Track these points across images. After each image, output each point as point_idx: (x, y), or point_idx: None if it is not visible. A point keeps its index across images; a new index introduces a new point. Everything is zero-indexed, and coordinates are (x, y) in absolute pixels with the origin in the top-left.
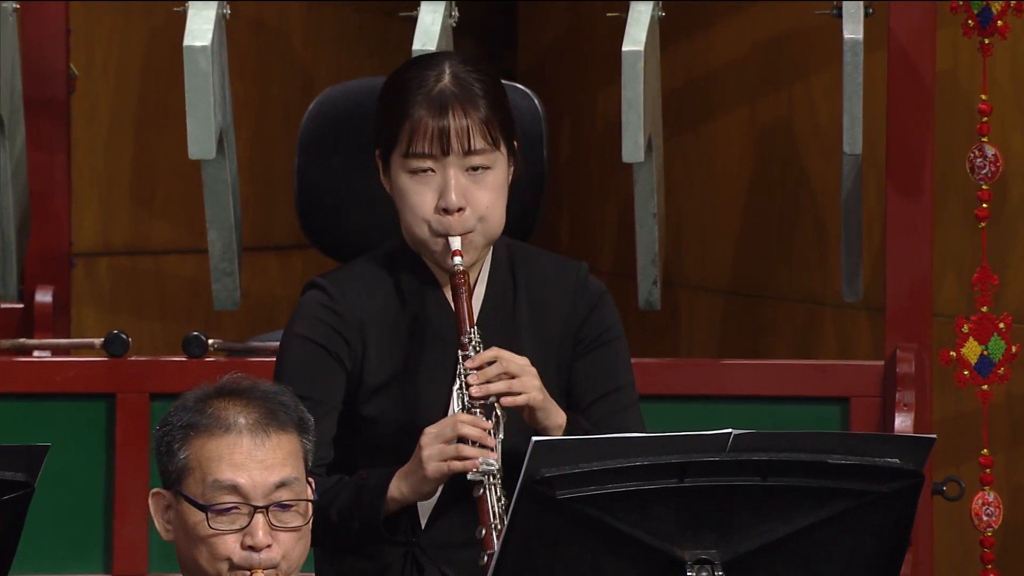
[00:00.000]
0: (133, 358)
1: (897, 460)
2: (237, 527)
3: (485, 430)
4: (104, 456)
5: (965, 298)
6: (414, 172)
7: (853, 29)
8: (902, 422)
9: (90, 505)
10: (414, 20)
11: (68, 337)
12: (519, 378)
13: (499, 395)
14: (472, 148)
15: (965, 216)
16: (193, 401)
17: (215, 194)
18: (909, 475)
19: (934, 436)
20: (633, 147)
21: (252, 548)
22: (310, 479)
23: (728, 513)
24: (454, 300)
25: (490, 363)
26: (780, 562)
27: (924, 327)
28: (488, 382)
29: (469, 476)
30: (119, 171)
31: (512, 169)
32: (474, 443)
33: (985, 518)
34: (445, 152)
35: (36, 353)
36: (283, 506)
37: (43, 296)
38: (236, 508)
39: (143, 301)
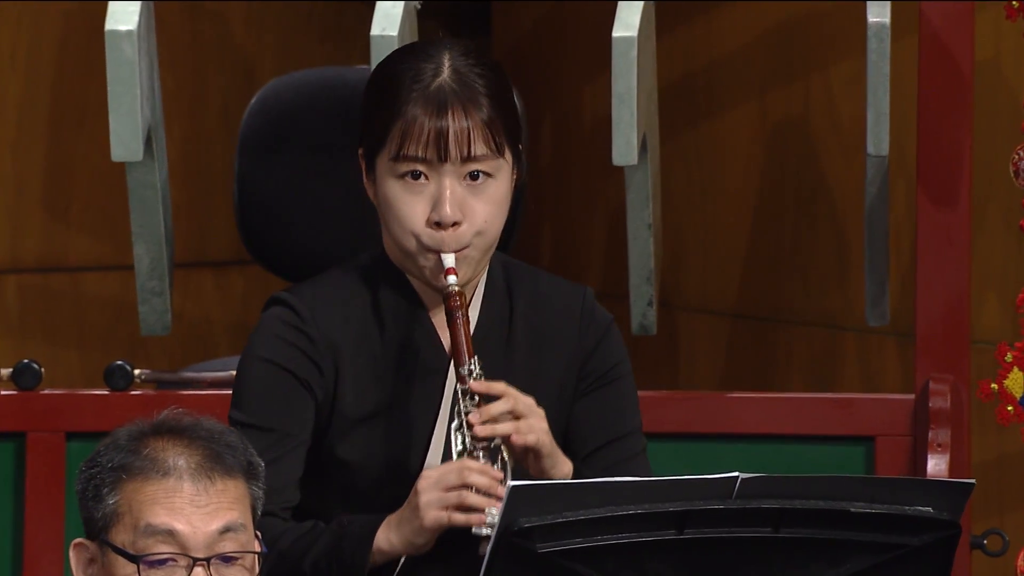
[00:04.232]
0: (46, 391)
1: (930, 509)
2: None
3: (495, 479)
4: (12, 503)
5: (1009, 322)
6: (403, 177)
7: (879, 12)
8: (936, 465)
9: None
10: (372, 2)
11: None
12: (526, 419)
13: (505, 436)
14: (472, 154)
15: (1008, 227)
16: (126, 439)
17: (142, 202)
18: (944, 526)
19: (973, 481)
20: (625, 148)
21: None
22: (257, 532)
23: (735, 569)
24: (449, 325)
25: (494, 399)
26: None
27: (961, 355)
28: (493, 420)
29: (474, 530)
30: (29, 175)
31: (516, 176)
32: (478, 491)
33: None
34: (441, 158)
35: None
36: (227, 559)
37: None
38: (173, 560)
39: (58, 325)
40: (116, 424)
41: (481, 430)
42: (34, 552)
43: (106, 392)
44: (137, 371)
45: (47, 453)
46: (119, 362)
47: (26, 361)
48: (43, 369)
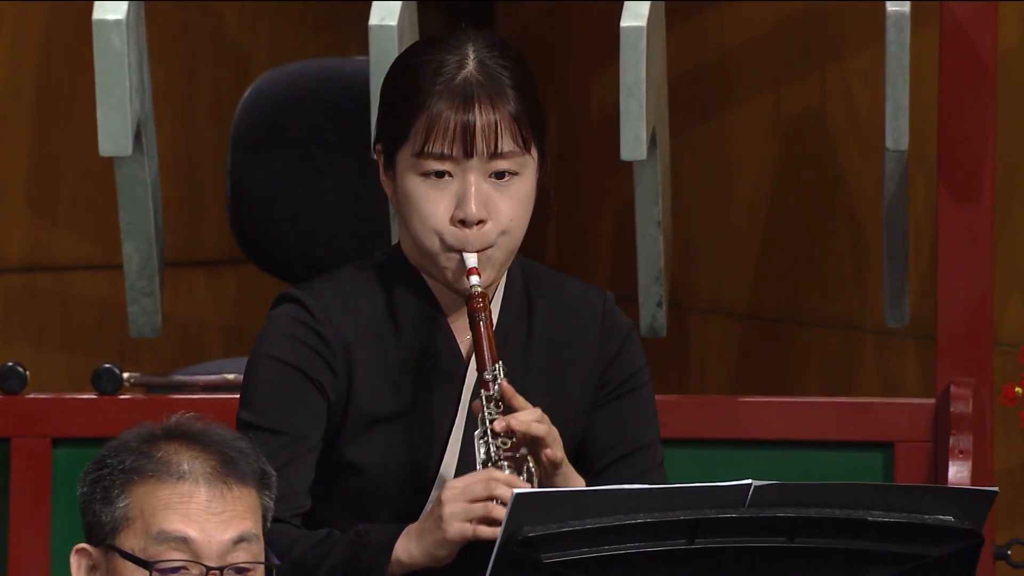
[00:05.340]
0: (32, 395)
1: (951, 517)
2: None
3: None
4: None
5: None
6: (427, 175)
7: (898, 1)
8: (957, 472)
9: None
10: None
11: None
12: (550, 432)
13: (533, 446)
14: (499, 150)
15: None
16: (136, 442)
17: (131, 198)
18: (966, 535)
19: (996, 489)
20: (634, 142)
21: None
22: (267, 547)
23: None
24: (472, 328)
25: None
26: None
27: (983, 358)
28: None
29: None
30: (14, 172)
31: (540, 176)
32: (504, 504)
33: None
34: (468, 154)
35: None
36: (240, 570)
37: None
38: (185, 568)
39: (43, 327)
40: (104, 430)
41: (518, 424)
42: (19, 562)
43: (94, 396)
44: (126, 374)
45: (32, 459)
46: (107, 365)
47: (10, 364)
48: (28, 372)
